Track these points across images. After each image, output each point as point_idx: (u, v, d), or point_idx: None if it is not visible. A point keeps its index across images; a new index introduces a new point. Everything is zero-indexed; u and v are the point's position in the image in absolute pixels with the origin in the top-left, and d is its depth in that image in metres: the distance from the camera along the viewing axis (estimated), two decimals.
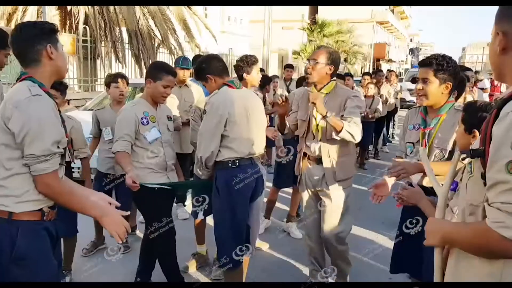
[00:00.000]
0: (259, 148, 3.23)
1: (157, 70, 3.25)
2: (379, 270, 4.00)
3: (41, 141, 1.91)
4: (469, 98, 4.74)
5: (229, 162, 3.06)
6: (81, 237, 3.89)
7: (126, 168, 3.06)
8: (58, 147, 1.98)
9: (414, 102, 18.79)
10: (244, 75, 3.84)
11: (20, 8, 11.00)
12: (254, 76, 3.86)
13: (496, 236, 1.16)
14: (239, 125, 3.05)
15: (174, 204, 5.41)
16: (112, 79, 4.17)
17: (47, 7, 9.96)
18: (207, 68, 3.18)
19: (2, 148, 1.94)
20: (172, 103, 4.65)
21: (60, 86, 3.63)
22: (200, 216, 3.90)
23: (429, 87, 2.63)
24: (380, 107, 8.27)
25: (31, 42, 2.01)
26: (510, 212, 1.14)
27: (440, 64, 2.60)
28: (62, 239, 3.52)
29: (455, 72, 2.64)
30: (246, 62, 3.83)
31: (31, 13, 10.87)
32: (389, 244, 4.60)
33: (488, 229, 1.18)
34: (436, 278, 1.53)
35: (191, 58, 5.64)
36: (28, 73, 2.04)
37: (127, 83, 4.22)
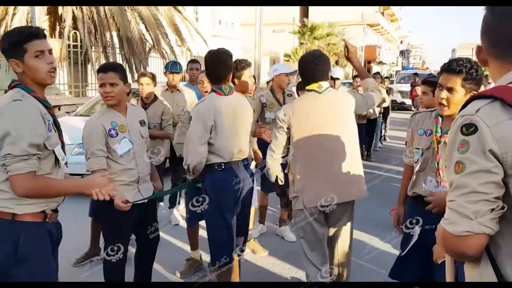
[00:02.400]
0: (245, 152, 3.25)
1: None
2: (371, 271, 4.01)
3: (19, 142, 1.95)
4: None
5: (216, 165, 3.09)
6: (75, 247, 3.88)
7: None
8: (37, 150, 2.01)
9: (405, 104, 18.83)
10: (235, 80, 3.79)
11: (10, 12, 10.92)
12: (245, 81, 3.82)
13: (448, 234, 1.22)
14: (225, 132, 3.05)
15: (167, 209, 5.43)
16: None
17: (36, 12, 9.90)
18: (206, 68, 3.24)
19: None
20: (160, 109, 4.62)
21: None
22: (194, 223, 3.92)
23: (455, 97, 2.38)
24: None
25: (4, 54, 2.11)
26: (453, 209, 1.20)
27: (469, 73, 2.34)
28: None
29: (481, 80, 2.40)
30: (236, 67, 3.76)
31: (19, 18, 10.79)
32: (382, 246, 4.63)
33: (443, 229, 1.24)
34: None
35: (183, 62, 5.67)
36: (18, 80, 2.12)
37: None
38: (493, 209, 1.16)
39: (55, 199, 2.18)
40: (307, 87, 3.06)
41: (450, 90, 2.40)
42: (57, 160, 2.14)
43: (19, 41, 2.07)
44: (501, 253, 1.21)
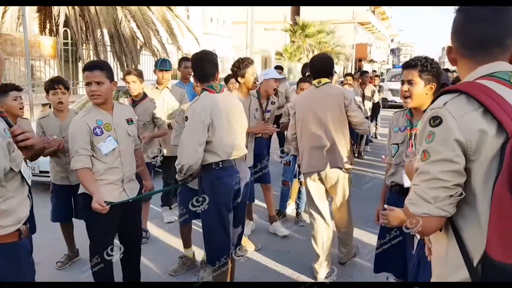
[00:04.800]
0: (242, 150, 3.26)
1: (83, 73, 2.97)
2: (364, 267, 4.05)
3: None
4: None
5: (213, 164, 3.09)
6: (55, 250, 3.87)
7: (90, 189, 2.87)
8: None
9: (396, 102, 18.88)
10: (239, 78, 3.94)
11: (1, 10, 10.82)
12: (248, 78, 3.95)
13: (410, 213, 1.37)
14: (221, 130, 3.06)
15: (160, 207, 5.43)
16: (49, 85, 3.78)
17: (27, 10, 9.83)
18: (194, 70, 3.23)
19: None
20: (153, 107, 4.63)
21: (19, 88, 3.52)
22: (188, 221, 3.94)
23: (415, 88, 2.67)
24: (361, 107, 8.38)
25: None
26: (416, 193, 1.35)
27: (424, 66, 2.64)
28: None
29: (438, 73, 2.69)
30: (238, 67, 3.93)
31: (10, 15, 10.70)
32: (375, 242, 4.65)
33: (407, 207, 1.39)
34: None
35: (174, 60, 5.65)
36: None
37: (67, 89, 3.87)
38: (451, 195, 1.29)
39: (24, 213, 2.03)
40: (312, 82, 3.84)
41: (410, 82, 2.69)
42: (23, 178, 1.95)
43: None
44: (464, 233, 1.33)
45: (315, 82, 3.75)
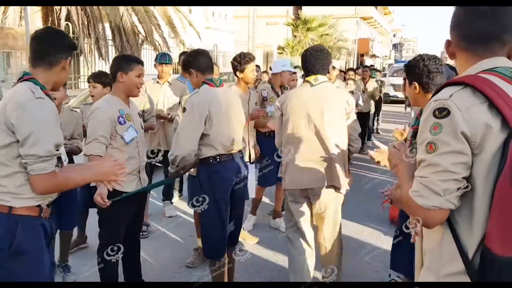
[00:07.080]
0: (239, 144, 3.26)
1: (126, 61, 3.04)
2: (365, 266, 4.05)
3: (45, 143, 1.94)
4: None
5: (210, 158, 3.10)
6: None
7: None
8: (58, 149, 2.01)
9: (397, 97, 18.87)
10: (238, 73, 3.91)
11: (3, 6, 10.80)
12: (247, 74, 3.93)
13: (415, 204, 1.35)
14: (219, 123, 3.07)
15: (161, 201, 5.44)
16: (88, 79, 4.01)
17: None
18: (192, 62, 3.22)
19: (1, 146, 1.97)
20: (143, 101, 4.57)
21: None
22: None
23: (405, 89, 2.72)
24: (360, 102, 8.39)
25: (57, 47, 2.12)
26: (425, 185, 1.32)
27: (406, 66, 2.66)
28: (58, 233, 3.50)
29: (421, 71, 2.54)
30: (239, 62, 3.90)
31: (13, 9, 10.69)
32: (375, 237, 4.67)
33: (410, 197, 1.37)
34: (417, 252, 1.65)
35: (176, 55, 5.64)
36: (33, 74, 2.08)
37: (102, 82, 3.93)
38: (459, 188, 1.29)
39: (50, 194, 2.14)
40: (305, 78, 3.21)
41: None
42: (59, 160, 2.07)
43: (75, 47, 2.27)
44: (458, 227, 1.34)
45: (310, 79, 3.15)
